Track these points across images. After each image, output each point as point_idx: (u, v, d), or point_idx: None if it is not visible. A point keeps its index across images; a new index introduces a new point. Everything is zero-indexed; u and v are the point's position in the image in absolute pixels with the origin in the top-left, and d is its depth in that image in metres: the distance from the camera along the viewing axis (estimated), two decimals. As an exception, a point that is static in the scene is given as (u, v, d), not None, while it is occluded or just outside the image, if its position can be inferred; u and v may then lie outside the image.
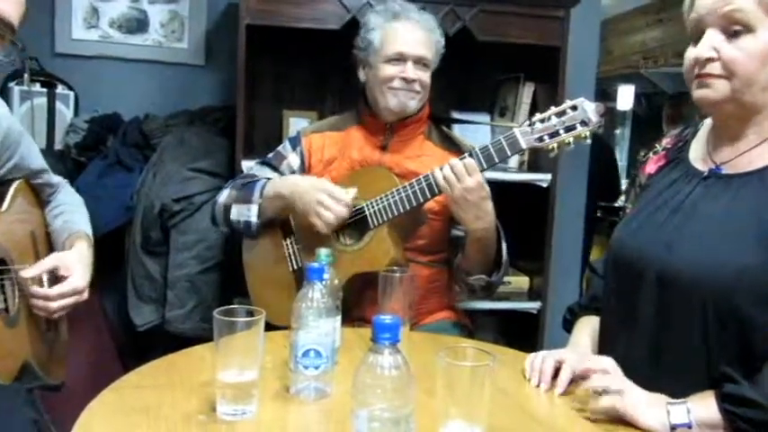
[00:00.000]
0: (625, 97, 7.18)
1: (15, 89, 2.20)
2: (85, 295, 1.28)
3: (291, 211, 1.58)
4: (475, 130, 2.11)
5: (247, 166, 1.86)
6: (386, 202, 1.52)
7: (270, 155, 1.76)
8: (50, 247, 1.42)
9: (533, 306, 2.16)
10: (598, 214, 3.81)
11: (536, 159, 2.21)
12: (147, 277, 2.09)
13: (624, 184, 4.39)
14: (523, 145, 1.43)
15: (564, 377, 1.08)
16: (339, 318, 1.14)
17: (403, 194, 1.51)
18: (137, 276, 2.10)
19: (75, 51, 2.34)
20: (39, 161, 1.40)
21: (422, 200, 1.50)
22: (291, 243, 1.65)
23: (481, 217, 1.47)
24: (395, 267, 1.26)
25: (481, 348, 0.91)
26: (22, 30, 1.21)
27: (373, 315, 0.79)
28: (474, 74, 2.40)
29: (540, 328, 2.14)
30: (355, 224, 1.57)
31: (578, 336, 1.23)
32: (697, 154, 1.12)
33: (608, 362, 1.03)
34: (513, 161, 2.23)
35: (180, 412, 0.94)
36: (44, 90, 2.25)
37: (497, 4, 2.03)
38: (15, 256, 1.28)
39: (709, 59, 1.00)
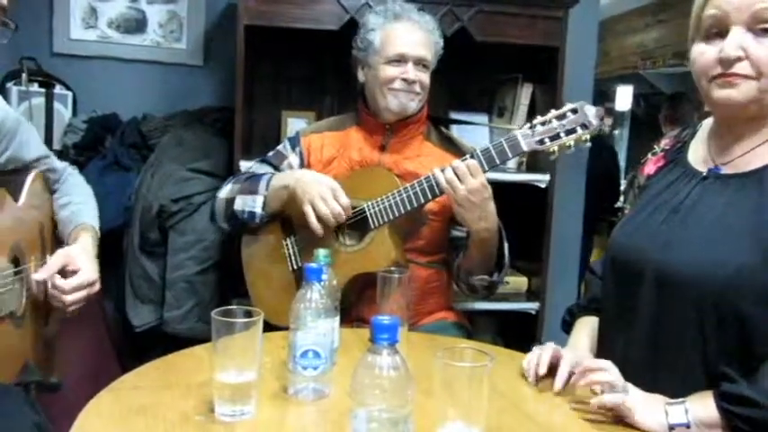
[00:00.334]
0: (623, 98, 7.19)
1: (13, 89, 2.19)
2: (97, 287, 1.28)
3: (293, 201, 1.57)
4: (473, 131, 2.12)
5: (246, 166, 1.86)
6: (387, 203, 1.53)
7: (270, 154, 1.76)
8: (56, 238, 1.42)
9: (532, 307, 2.16)
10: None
11: (534, 160, 2.21)
12: (145, 278, 2.09)
13: (623, 184, 4.41)
14: (524, 147, 1.43)
15: (562, 373, 1.08)
16: (338, 318, 1.14)
17: (404, 195, 1.51)
18: (135, 277, 2.10)
19: (74, 51, 2.34)
20: (38, 149, 1.38)
21: (423, 201, 1.51)
22: (292, 243, 1.65)
23: (484, 218, 1.47)
24: (393, 268, 1.26)
25: (479, 349, 0.91)
26: (19, 28, 1.21)
27: (372, 316, 0.79)
28: (472, 74, 2.40)
29: (539, 329, 2.15)
30: (356, 225, 1.57)
31: (577, 337, 1.23)
32: (696, 155, 1.12)
33: (606, 363, 1.03)
34: (512, 162, 2.22)
35: (178, 413, 0.94)
36: (42, 90, 2.24)
37: (496, 5, 2.03)
38: (26, 251, 1.28)
39: (738, 59, 0.96)
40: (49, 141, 2.26)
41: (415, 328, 1.58)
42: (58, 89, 2.28)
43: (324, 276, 1.07)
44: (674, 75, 5.93)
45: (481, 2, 2.02)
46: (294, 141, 1.75)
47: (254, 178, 1.64)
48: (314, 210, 1.51)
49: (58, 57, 2.32)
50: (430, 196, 1.50)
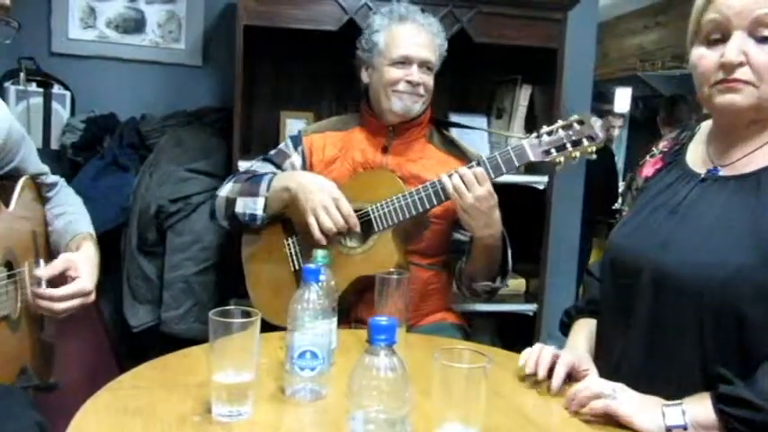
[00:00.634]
0: (622, 100, 7.20)
1: (11, 89, 2.19)
2: (92, 297, 1.27)
3: (294, 204, 1.57)
4: (471, 132, 2.12)
5: (244, 166, 1.86)
6: (391, 207, 1.53)
7: (272, 152, 1.75)
8: (50, 247, 1.42)
9: (530, 308, 2.16)
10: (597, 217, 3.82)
11: (533, 161, 2.21)
12: (143, 278, 2.09)
13: (621, 186, 4.42)
14: (531, 157, 1.45)
15: (560, 371, 1.08)
16: (335, 319, 1.14)
17: (409, 200, 1.52)
18: (132, 277, 2.10)
19: (72, 51, 2.33)
20: (37, 164, 1.40)
21: (428, 206, 1.51)
22: (293, 243, 1.65)
23: (490, 225, 1.48)
24: (393, 269, 1.26)
25: (477, 350, 0.91)
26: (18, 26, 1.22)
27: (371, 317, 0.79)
28: (471, 75, 2.40)
29: (537, 331, 2.15)
30: (359, 227, 1.57)
31: (575, 338, 1.23)
32: (694, 156, 1.12)
33: (588, 380, 1.04)
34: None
35: (175, 413, 0.94)
36: (40, 90, 2.24)
37: (495, 6, 2.03)
38: (19, 257, 1.28)
39: (740, 64, 0.96)
40: (47, 141, 2.26)
41: (414, 329, 1.58)
42: (56, 89, 2.28)
43: (322, 277, 1.07)
44: (673, 77, 5.95)
45: (480, 3, 2.02)
46: (296, 140, 1.74)
47: (256, 179, 1.64)
48: (317, 221, 1.51)
49: (57, 56, 2.32)
50: (435, 202, 1.50)
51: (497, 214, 1.49)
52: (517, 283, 2.24)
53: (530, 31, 2.05)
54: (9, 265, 1.24)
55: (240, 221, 1.64)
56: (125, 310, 2.09)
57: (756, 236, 0.94)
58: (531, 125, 2.27)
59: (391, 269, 1.28)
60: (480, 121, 2.31)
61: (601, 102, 6.51)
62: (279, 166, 1.72)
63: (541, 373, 1.09)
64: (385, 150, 1.68)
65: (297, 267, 1.63)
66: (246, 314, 0.94)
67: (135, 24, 2.37)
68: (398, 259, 1.53)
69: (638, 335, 1.04)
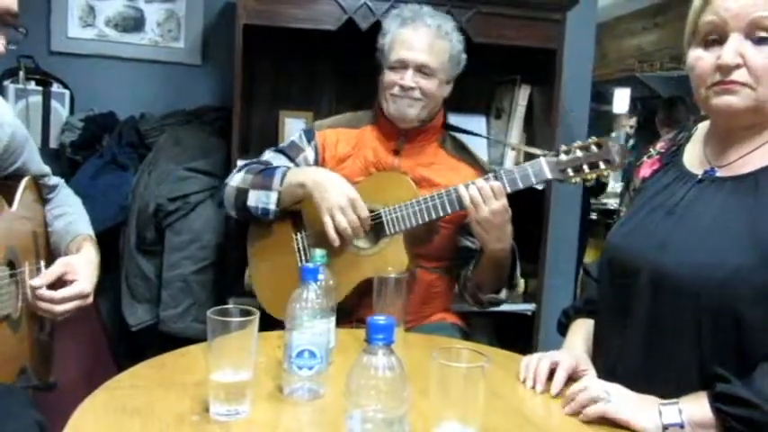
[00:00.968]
0: (621, 101, 7.20)
1: (11, 87, 2.19)
2: (90, 300, 1.28)
3: (308, 200, 1.56)
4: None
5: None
6: (405, 212, 1.53)
7: (284, 144, 1.74)
8: (50, 248, 1.42)
9: (528, 308, 2.16)
10: (593, 216, 3.83)
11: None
12: (142, 277, 2.09)
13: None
14: (549, 175, 1.45)
15: (559, 378, 1.09)
16: (334, 318, 1.14)
17: (423, 206, 1.51)
18: (131, 276, 2.10)
19: (71, 50, 2.33)
20: (39, 166, 1.40)
21: (442, 214, 1.51)
22: (302, 238, 1.64)
23: (502, 239, 1.49)
24: (390, 269, 1.26)
25: (475, 350, 0.91)
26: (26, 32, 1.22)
27: None
28: (470, 76, 2.39)
29: (535, 331, 2.15)
30: (371, 228, 1.57)
31: (573, 339, 1.23)
32: (692, 157, 1.12)
33: (586, 381, 1.03)
34: (508, 162, 2.24)
35: (173, 412, 0.94)
36: (39, 88, 2.24)
37: (494, 7, 2.03)
38: (21, 256, 1.28)
39: (737, 66, 0.96)
40: (46, 140, 2.26)
41: (413, 329, 1.58)
42: (55, 87, 2.28)
43: (320, 276, 1.07)
44: (671, 78, 5.95)
45: (479, 3, 2.02)
46: (310, 135, 1.72)
47: (268, 171, 1.61)
48: (332, 220, 1.50)
49: (56, 55, 2.32)
50: (450, 210, 1.50)
51: (510, 229, 1.49)
52: (516, 284, 2.24)
53: (529, 31, 2.05)
54: (11, 265, 1.24)
55: (252, 214, 1.63)
56: (123, 309, 2.09)
57: (754, 236, 0.94)
58: (530, 125, 2.28)
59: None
60: (479, 121, 2.32)
61: (599, 102, 6.52)
62: (292, 159, 1.69)
63: (539, 388, 1.09)
64: (396, 153, 1.67)
65: (304, 262, 1.63)
66: (245, 313, 0.94)
67: (134, 23, 2.37)
68: (408, 264, 1.54)
69: (635, 335, 1.04)
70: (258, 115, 2.33)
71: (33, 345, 1.33)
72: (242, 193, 1.62)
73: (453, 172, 1.65)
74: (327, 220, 1.51)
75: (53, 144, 2.26)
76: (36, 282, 1.22)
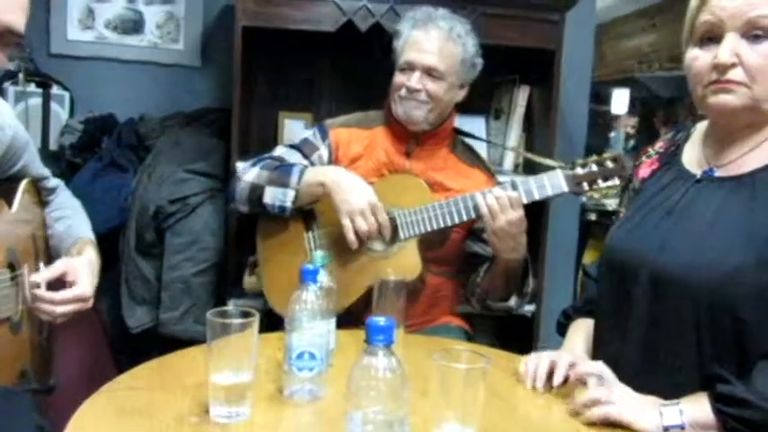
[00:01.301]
0: (619, 101, 7.20)
1: (10, 89, 2.19)
2: (90, 303, 1.27)
3: (325, 200, 1.55)
4: (469, 131, 2.12)
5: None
6: (420, 216, 1.52)
7: (297, 141, 1.72)
8: (49, 250, 1.42)
9: (528, 309, 2.16)
10: (592, 217, 3.82)
11: (531, 163, 2.21)
12: (141, 279, 2.09)
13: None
14: (565, 188, 1.46)
15: (559, 376, 1.09)
16: (334, 320, 1.14)
17: (438, 212, 1.51)
18: (131, 278, 2.10)
19: (71, 52, 2.33)
20: (39, 168, 1.40)
21: (458, 221, 1.51)
22: (314, 237, 1.63)
23: (516, 249, 1.48)
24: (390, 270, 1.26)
25: (475, 351, 0.91)
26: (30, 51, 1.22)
27: None
28: (469, 76, 2.40)
29: (536, 331, 2.14)
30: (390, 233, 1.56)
31: (572, 339, 1.23)
32: (690, 157, 1.12)
33: (600, 366, 1.03)
34: (508, 163, 2.24)
35: (173, 414, 0.94)
36: (39, 90, 2.24)
37: (493, 8, 2.03)
38: (21, 258, 1.28)
39: (732, 65, 0.96)
40: (45, 142, 2.26)
41: (418, 331, 1.58)
42: (55, 90, 2.28)
43: (320, 278, 1.07)
44: (670, 78, 5.94)
45: (479, 4, 2.02)
46: (324, 133, 1.71)
47: (285, 168, 1.60)
48: (352, 224, 1.50)
49: (56, 57, 2.32)
50: (465, 218, 1.50)
51: (524, 239, 1.49)
52: (515, 284, 2.23)
53: (528, 32, 2.05)
54: (11, 267, 1.24)
55: (266, 210, 1.61)
56: (123, 311, 2.09)
57: (752, 236, 0.94)
58: (529, 126, 2.28)
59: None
60: (479, 122, 2.31)
61: (598, 103, 6.52)
62: (307, 157, 1.68)
63: (540, 385, 1.10)
64: (407, 155, 1.67)
65: None
66: (244, 315, 0.94)
67: (133, 25, 2.37)
68: (422, 270, 1.53)
69: (635, 335, 1.04)
70: (257, 117, 2.33)
71: (34, 347, 1.33)
72: (257, 189, 1.60)
73: (466, 178, 1.65)
74: (347, 223, 1.50)
75: (53, 146, 2.26)
76: (37, 278, 1.21)
